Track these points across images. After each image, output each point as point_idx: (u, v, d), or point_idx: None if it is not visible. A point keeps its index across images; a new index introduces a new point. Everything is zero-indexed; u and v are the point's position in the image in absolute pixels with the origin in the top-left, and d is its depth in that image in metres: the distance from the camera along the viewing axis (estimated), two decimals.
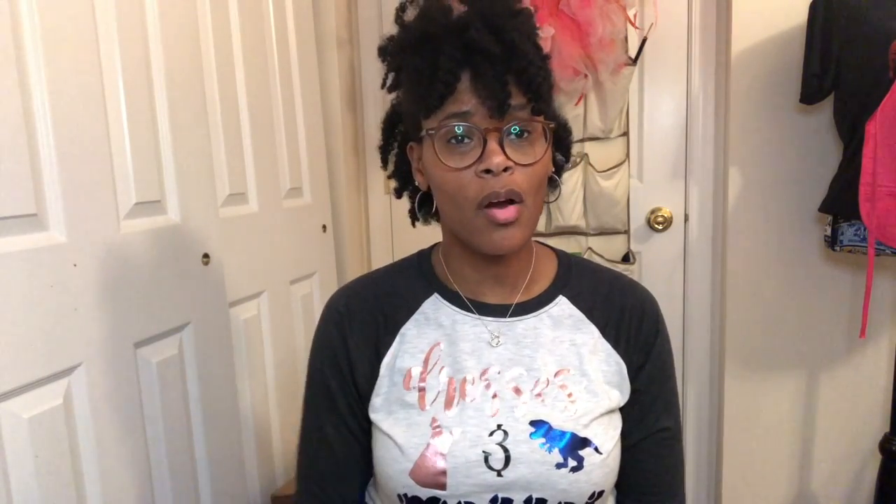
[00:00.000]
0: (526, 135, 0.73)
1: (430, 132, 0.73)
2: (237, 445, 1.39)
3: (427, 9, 0.73)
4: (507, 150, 0.71)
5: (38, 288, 0.91)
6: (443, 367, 0.80)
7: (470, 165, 0.72)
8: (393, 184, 0.90)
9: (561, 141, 0.85)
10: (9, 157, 0.87)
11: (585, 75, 1.73)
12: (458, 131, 0.72)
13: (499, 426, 0.76)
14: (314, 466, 0.86)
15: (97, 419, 1.01)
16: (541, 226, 1.89)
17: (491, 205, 0.72)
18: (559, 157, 0.85)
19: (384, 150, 0.87)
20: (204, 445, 1.27)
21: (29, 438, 0.90)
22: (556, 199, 0.86)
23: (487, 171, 0.71)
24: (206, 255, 1.26)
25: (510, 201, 0.72)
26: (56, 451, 0.94)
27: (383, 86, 0.82)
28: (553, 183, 0.84)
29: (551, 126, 0.75)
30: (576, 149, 1.83)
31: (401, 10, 0.76)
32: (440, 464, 0.74)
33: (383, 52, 0.79)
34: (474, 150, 0.72)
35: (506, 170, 0.71)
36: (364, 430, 0.84)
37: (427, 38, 0.71)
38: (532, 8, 0.77)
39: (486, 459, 0.74)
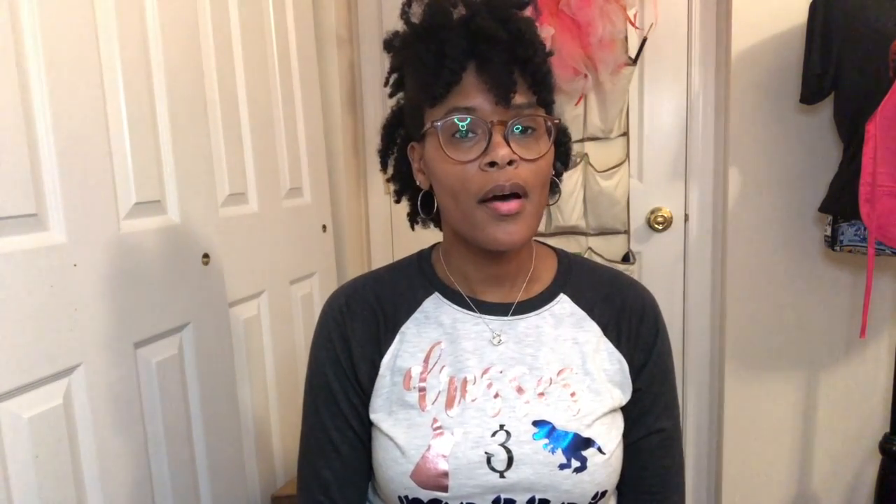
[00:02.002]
0: (530, 130, 0.73)
1: (434, 124, 0.73)
2: (237, 445, 1.39)
3: (433, 2, 0.74)
4: (512, 145, 0.71)
5: (38, 288, 0.91)
6: (443, 367, 0.79)
7: (474, 159, 0.72)
8: (393, 187, 0.90)
9: (561, 146, 0.85)
10: (9, 157, 0.87)
11: (585, 75, 1.73)
12: (463, 125, 0.72)
13: (501, 426, 0.76)
14: (319, 474, 0.84)
15: (97, 419, 1.01)
16: (541, 226, 1.88)
17: (494, 198, 0.72)
18: (558, 164, 0.85)
19: (384, 154, 0.87)
20: (204, 445, 1.27)
21: (29, 438, 0.90)
22: (556, 201, 0.86)
23: (492, 164, 0.71)
24: (206, 255, 1.26)
25: (514, 195, 0.72)
26: (56, 451, 0.94)
27: (386, 84, 0.82)
28: (554, 186, 0.84)
29: (555, 122, 0.75)
30: (576, 149, 1.83)
31: (406, 5, 0.76)
32: (442, 465, 0.74)
33: (389, 45, 0.79)
34: (479, 143, 0.72)
35: (510, 163, 0.71)
36: (368, 432, 0.83)
37: (433, 29, 0.72)
38: (534, 1, 0.77)
39: (488, 461, 0.74)
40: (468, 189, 0.72)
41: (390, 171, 0.88)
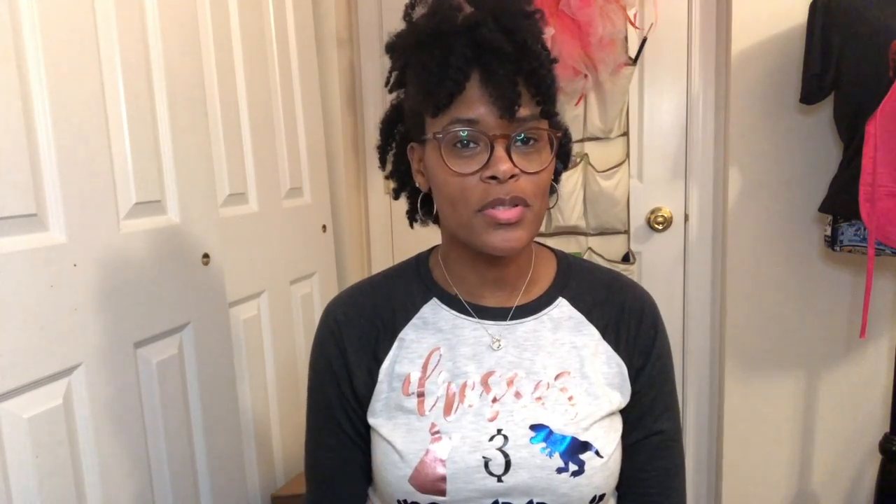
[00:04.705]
0: (532, 142, 0.72)
1: (436, 136, 0.72)
2: (237, 445, 1.39)
3: (437, 7, 0.72)
4: (514, 158, 0.70)
5: (38, 288, 0.91)
6: (442, 372, 0.79)
7: (476, 171, 0.71)
8: (392, 184, 0.89)
9: (562, 148, 0.84)
10: (9, 157, 0.87)
11: (585, 75, 1.73)
12: (464, 137, 0.71)
13: (498, 431, 0.75)
14: (316, 470, 0.86)
15: (97, 419, 1.01)
16: (541, 226, 1.88)
17: (493, 207, 0.71)
18: (557, 164, 0.84)
19: (382, 151, 0.86)
20: (204, 445, 1.28)
21: (29, 438, 0.90)
22: (554, 205, 0.85)
23: (493, 178, 0.70)
24: (206, 255, 1.26)
25: (515, 205, 0.71)
26: (56, 451, 0.94)
27: (386, 84, 0.81)
28: (551, 189, 0.83)
29: (558, 135, 0.75)
30: (576, 149, 1.83)
31: (410, 6, 0.75)
32: (440, 470, 0.74)
33: (391, 48, 0.77)
34: (480, 155, 0.71)
35: (512, 177, 0.70)
36: (363, 436, 0.83)
37: (438, 36, 0.70)
38: (541, 11, 0.76)
39: (486, 465, 0.74)
40: (467, 199, 0.72)
41: (389, 168, 0.87)
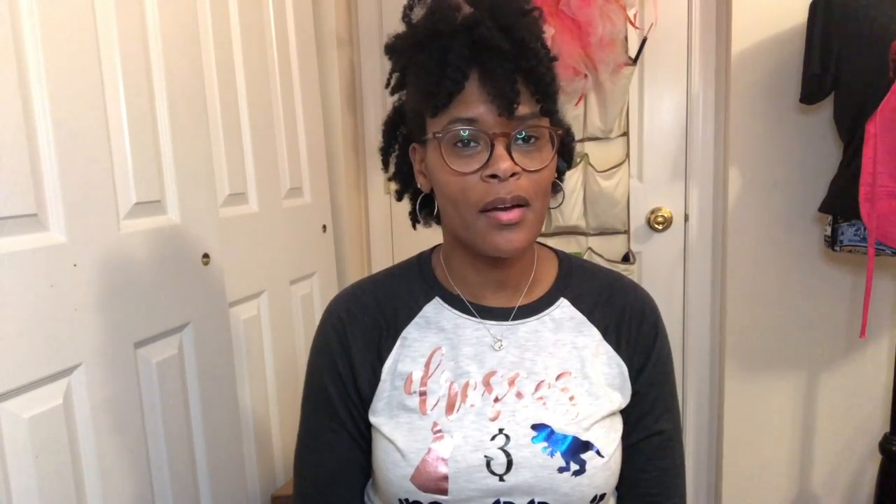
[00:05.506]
0: (533, 140, 0.72)
1: (436, 135, 0.72)
2: (237, 445, 1.39)
3: (436, 7, 0.72)
4: (515, 156, 0.70)
5: (38, 288, 0.91)
6: (444, 372, 0.79)
7: (476, 170, 0.71)
8: (394, 186, 0.89)
9: (564, 146, 0.84)
10: (9, 157, 0.87)
11: (585, 75, 1.73)
12: (465, 136, 0.71)
13: (500, 430, 0.76)
14: (311, 470, 0.85)
15: (97, 419, 1.01)
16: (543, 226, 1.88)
17: (495, 209, 0.71)
18: (561, 162, 0.84)
19: (385, 153, 0.86)
20: (204, 445, 1.27)
21: (29, 438, 0.90)
22: (560, 204, 0.85)
23: (494, 177, 0.70)
24: (206, 255, 1.26)
25: (516, 205, 0.71)
26: (56, 451, 0.94)
27: (387, 86, 0.81)
28: (556, 188, 0.83)
29: (559, 132, 0.75)
30: (576, 149, 1.83)
31: (408, 8, 0.75)
32: (442, 469, 0.74)
33: (390, 49, 0.77)
34: (481, 154, 0.71)
35: (513, 175, 0.70)
36: (364, 434, 0.83)
37: (436, 36, 0.70)
38: (540, 8, 0.76)
39: (487, 464, 0.74)
40: (468, 199, 0.72)
41: (391, 169, 0.87)
